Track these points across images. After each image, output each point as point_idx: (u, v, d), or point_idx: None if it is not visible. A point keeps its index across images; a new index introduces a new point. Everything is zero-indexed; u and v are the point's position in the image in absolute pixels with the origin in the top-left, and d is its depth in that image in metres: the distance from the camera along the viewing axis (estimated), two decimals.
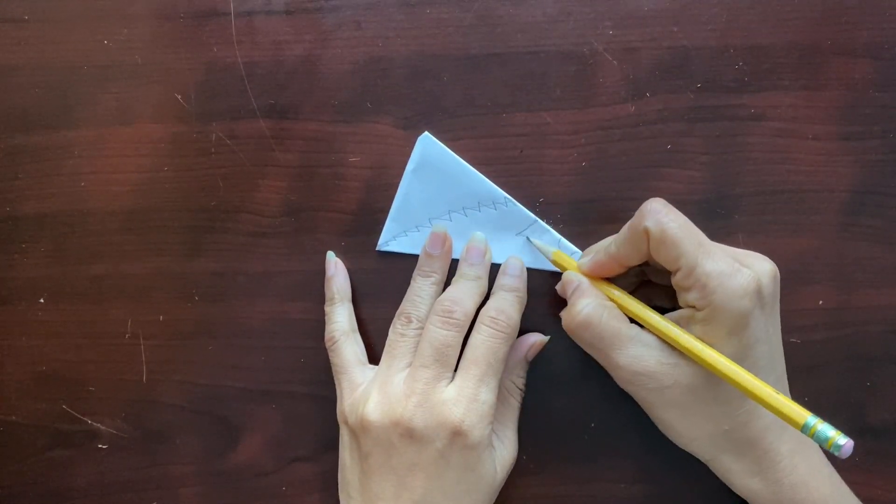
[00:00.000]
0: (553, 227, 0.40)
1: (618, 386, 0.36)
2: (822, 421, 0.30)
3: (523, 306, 0.38)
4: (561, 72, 0.40)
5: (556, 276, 0.40)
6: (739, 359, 0.32)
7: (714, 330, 0.32)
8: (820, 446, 0.30)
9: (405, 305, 0.38)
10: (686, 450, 0.36)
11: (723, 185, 0.40)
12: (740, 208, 0.40)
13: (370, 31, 0.40)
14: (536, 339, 0.39)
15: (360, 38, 0.40)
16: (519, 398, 0.39)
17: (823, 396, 0.41)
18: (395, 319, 0.38)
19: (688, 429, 0.35)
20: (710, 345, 0.33)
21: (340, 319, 0.39)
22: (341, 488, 0.38)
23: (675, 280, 0.33)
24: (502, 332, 0.36)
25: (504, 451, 0.37)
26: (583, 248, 0.40)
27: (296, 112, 0.41)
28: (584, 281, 0.36)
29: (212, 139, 0.41)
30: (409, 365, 0.36)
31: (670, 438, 0.37)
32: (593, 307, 0.35)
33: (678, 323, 0.34)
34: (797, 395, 0.41)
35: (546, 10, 0.40)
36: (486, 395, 0.35)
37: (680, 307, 0.34)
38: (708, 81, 0.40)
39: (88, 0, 0.41)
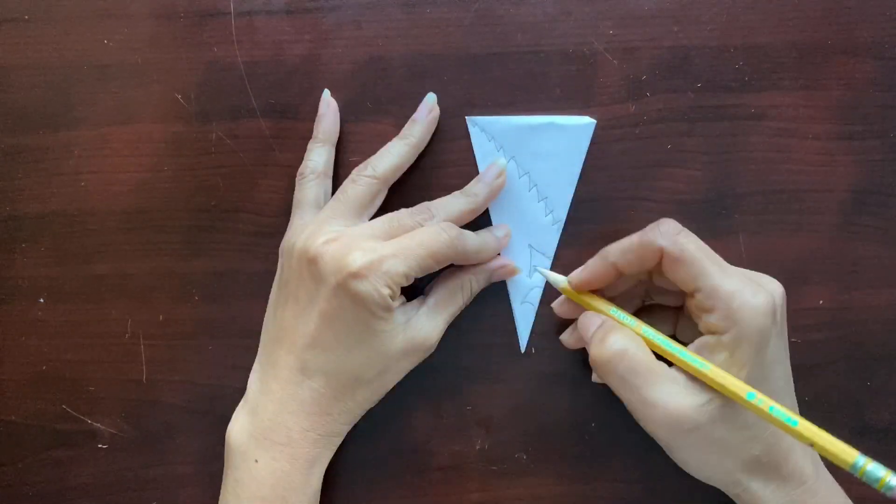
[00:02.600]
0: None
1: None
2: (871, 460, 0.29)
3: (476, 212, 0.38)
4: (561, 72, 0.40)
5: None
6: (761, 379, 0.32)
7: (741, 352, 0.32)
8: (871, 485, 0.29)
9: (372, 157, 0.39)
10: (710, 483, 0.35)
11: (723, 184, 0.40)
12: (741, 208, 0.40)
13: (370, 31, 0.40)
14: (510, 266, 0.39)
15: (360, 38, 0.40)
16: (466, 299, 0.39)
17: (823, 396, 0.41)
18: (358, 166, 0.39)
19: (720, 462, 0.34)
20: (735, 368, 0.32)
21: (317, 159, 0.39)
22: (265, 318, 0.39)
23: (696, 302, 0.33)
24: (444, 232, 0.36)
25: (419, 330, 0.37)
26: (582, 249, 0.40)
27: (296, 112, 0.41)
28: (608, 319, 0.36)
29: (212, 139, 0.41)
30: (352, 211, 0.37)
31: (696, 476, 0.36)
32: (626, 341, 0.34)
33: (701, 352, 0.33)
34: (797, 395, 0.41)
35: (546, 9, 0.40)
36: (396, 266, 0.34)
37: (681, 335, 0.34)
38: (708, 81, 0.40)
39: (88, 0, 0.41)
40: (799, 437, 0.30)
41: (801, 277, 0.41)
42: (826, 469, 0.36)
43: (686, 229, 0.34)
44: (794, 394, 0.36)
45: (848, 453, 0.29)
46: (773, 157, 0.40)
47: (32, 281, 0.41)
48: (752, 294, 0.32)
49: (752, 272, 0.35)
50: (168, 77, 0.41)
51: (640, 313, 0.39)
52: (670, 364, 0.34)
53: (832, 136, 0.40)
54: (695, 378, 0.33)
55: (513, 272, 0.40)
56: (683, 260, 0.33)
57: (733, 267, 0.34)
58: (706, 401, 0.32)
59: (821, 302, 0.41)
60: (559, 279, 0.38)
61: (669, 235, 0.33)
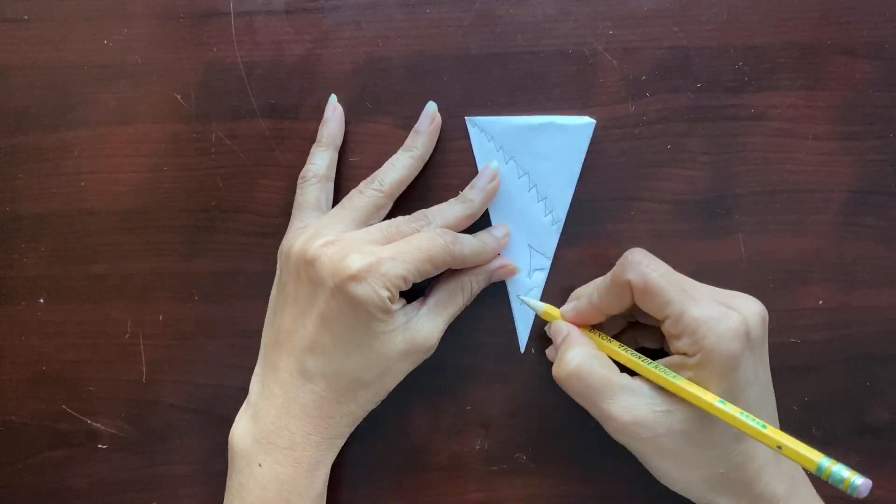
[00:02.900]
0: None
1: None
2: (835, 462, 0.29)
3: (473, 217, 0.39)
4: (561, 72, 0.40)
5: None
6: (731, 401, 0.32)
7: (706, 374, 0.32)
8: (836, 487, 0.30)
9: (379, 170, 0.39)
10: (682, 494, 0.36)
11: (723, 185, 0.40)
12: (740, 208, 0.40)
13: (370, 31, 0.40)
14: (510, 266, 0.40)
15: (360, 38, 0.40)
16: (466, 299, 0.39)
17: (823, 396, 0.41)
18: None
19: (683, 474, 0.35)
20: (702, 387, 0.33)
21: (319, 163, 0.39)
22: (265, 321, 0.39)
23: (665, 328, 0.34)
24: (441, 237, 0.36)
25: (419, 331, 0.37)
26: (582, 249, 0.40)
27: (296, 112, 0.41)
28: (574, 330, 0.37)
29: (212, 139, 0.41)
30: (355, 220, 0.37)
31: (666, 485, 0.36)
32: (582, 357, 0.35)
33: (670, 368, 0.34)
34: (797, 395, 0.41)
35: (546, 10, 0.40)
36: (395, 269, 0.34)
37: (669, 348, 0.34)
38: (708, 81, 0.40)
39: (88, 0, 0.41)
40: (765, 440, 0.31)
41: (801, 277, 0.41)
42: (811, 493, 0.36)
43: (653, 257, 0.34)
44: (773, 412, 0.36)
45: (812, 455, 0.30)
46: (773, 157, 0.40)
47: (32, 281, 0.41)
48: (719, 320, 0.32)
49: (731, 293, 0.35)
50: (168, 77, 0.41)
51: (628, 329, 0.39)
52: (632, 373, 0.35)
53: (832, 136, 0.40)
54: (660, 389, 0.34)
55: (512, 272, 0.40)
56: (648, 290, 0.33)
57: (708, 289, 0.35)
58: (664, 410, 0.33)
59: (821, 302, 0.41)
60: (539, 305, 0.39)
61: (635, 266, 0.34)
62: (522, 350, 0.41)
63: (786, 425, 0.40)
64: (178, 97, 0.41)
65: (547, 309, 0.39)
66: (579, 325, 0.37)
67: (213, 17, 0.41)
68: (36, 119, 0.41)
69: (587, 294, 0.37)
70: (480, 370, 0.41)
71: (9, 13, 0.41)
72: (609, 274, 0.35)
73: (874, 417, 0.41)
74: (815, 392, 0.41)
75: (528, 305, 0.40)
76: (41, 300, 0.42)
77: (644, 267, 0.34)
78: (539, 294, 0.40)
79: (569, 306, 0.38)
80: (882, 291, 0.41)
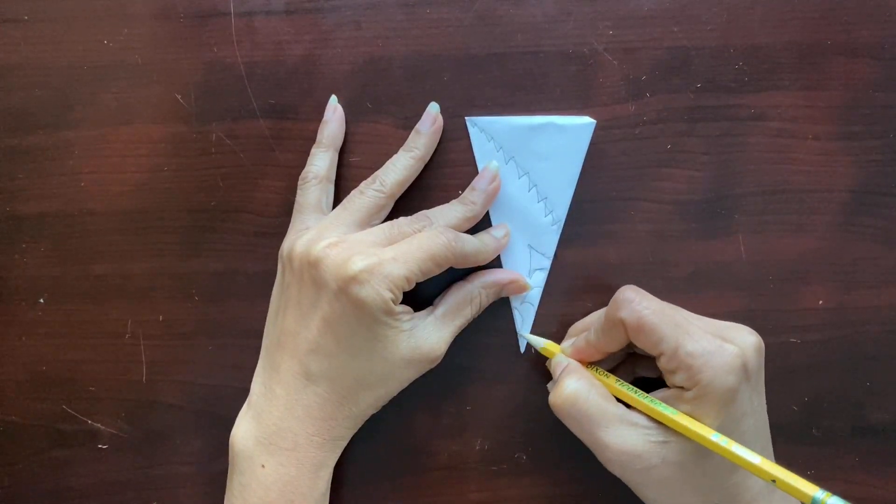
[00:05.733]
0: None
1: None
2: (829, 494, 0.29)
3: (475, 219, 0.39)
4: (561, 72, 0.40)
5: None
6: (727, 432, 0.32)
7: (703, 408, 0.32)
8: None
9: (380, 170, 0.39)
10: None
11: (723, 185, 0.40)
12: (740, 208, 0.40)
13: (370, 31, 0.40)
14: (521, 282, 0.39)
15: (360, 38, 0.40)
16: (475, 312, 0.39)
17: (823, 396, 0.41)
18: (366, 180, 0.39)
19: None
20: (699, 421, 0.33)
21: (320, 164, 0.39)
22: (266, 323, 0.39)
23: (661, 364, 0.34)
24: (443, 235, 0.36)
25: (425, 340, 0.37)
26: (582, 250, 0.40)
27: (296, 112, 0.41)
28: (573, 362, 0.37)
29: (212, 139, 0.41)
30: (356, 221, 0.37)
31: None
32: (579, 385, 0.35)
33: (667, 401, 0.34)
34: (797, 395, 0.41)
35: (546, 10, 0.40)
36: (397, 270, 0.34)
37: (665, 379, 0.35)
38: (708, 81, 0.40)
39: (88, 0, 0.41)
40: (761, 474, 0.31)
41: (801, 277, 0.41)
42: None
43: (645, 294, 0.34)
44: (768, 441, 0.36)
45: (808, 488, 0.30)
46: (773, 157, 0.40)
47: (32, 281, 0.41)
48: (714, 354, 0.32)
49: (727, 324, 0.35)
50: (168, 77, 0.41)
51: (627, 359, 0.39)
52: (629, 406, 0.35)
53: (832, 136, 0.40)
54: (656, 420, 0.34)
55: (523, 289, 0.40)
56: (641, 328, 0.33)
57: (702, 321, 0.35)
58: (660, 441, 0.33)
59: (820, 302, 0.41)
60: (538, 342, 0.39)
61: (626, 304, 0.34)
62: (522, 350, 0.41)
63: (786, 425, 0.40)
64: (178, 97, 0.41)
65: (547, 345, 0.39)
66: (579, 362, 0.37)
67: (213, 17, 0.41)
68: (36, 119, 0.41)
69: (584, 330, 0.37)
70: (480, 370, 0.41)
71: (9, 13, 0.41)
72: (603, 312, 0.36)
73: (873, 417, 0.41)
74: (815, 392, 0.41)
75: (529, 342, 0.40)
76: (41, 300, 0.42)
77: (636, 305, 0.34)
78: (539, 294, 0.40)
79: (567, 343, 0.38)
80: (882, 291, 0.41)
